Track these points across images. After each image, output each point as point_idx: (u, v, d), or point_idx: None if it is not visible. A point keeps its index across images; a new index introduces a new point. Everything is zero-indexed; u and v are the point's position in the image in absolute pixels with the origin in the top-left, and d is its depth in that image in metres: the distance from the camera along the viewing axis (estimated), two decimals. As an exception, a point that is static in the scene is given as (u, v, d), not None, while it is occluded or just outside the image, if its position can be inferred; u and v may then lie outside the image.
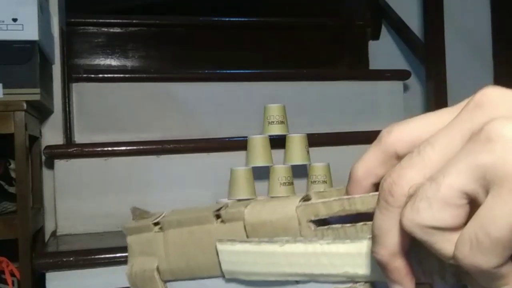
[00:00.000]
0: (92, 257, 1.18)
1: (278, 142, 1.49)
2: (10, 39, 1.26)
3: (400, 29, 2.26)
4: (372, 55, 2.43)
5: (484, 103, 0.25)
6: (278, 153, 1.49)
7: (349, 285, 0.31)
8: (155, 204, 1.49)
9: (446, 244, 0.24)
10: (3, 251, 1.33)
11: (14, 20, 1.26)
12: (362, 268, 0.30)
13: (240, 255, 0.34)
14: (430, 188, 0.24)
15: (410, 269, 0.27)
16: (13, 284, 1.29)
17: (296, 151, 1.47)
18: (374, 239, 0.27)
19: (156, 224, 0.38)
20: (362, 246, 0.30)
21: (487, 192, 0.23)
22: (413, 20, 2.22)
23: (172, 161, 1.51)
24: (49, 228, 1.55)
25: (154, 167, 1.50)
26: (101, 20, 2.16)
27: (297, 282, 0.33)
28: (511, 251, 0.23)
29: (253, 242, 0.33)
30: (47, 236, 1.53)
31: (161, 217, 0.38)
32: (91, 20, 2.14)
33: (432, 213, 0.24)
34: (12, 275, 1.29)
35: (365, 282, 0.30)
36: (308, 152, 1.48)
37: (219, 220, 0.34)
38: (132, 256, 0.39)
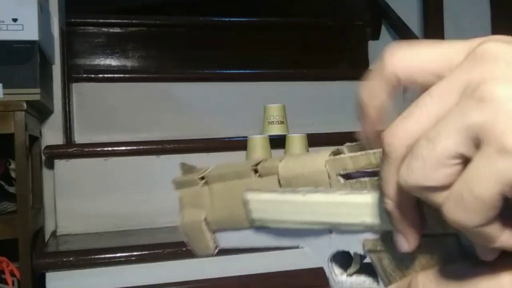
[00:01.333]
0: (92, 257, 1.18)
1: (278, 142, 1.49)
2: (10, 39, 1.27)
3: (400, 29, 2.26)
4: (372, 55, 2.44)
5: (484, 57, 0.25)
6: (278, 153, 1.49)
7: (377, 236, 0.32)
8: (155, 204, 1.49)
9: (440, 200, 0.24)
10: (3, 251, 1.33)
11: (14, 20, 1.26)
12: (378, 218, 0.31)
13: (267, 204, 0.37)
14: (425, 147, 0.24)
15: (415, 221, 0.27)
16: (13, 284, 1.29)
17: (296, 151, 1.47)
18: (382, 189, 0.28)
19: (202, 178, 0.40)
20: (378, 197, 0.31)
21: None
22: (413, 20, 2.22)
23: (172, 161, 1.51)
24: (49, 228, 1.55)
25: (154, 167, 1.50)
26: (101, 20, 2.16)
27: (330, 231, 0.34)
28: (495, 212, 0.23)
29: (278, 192, 0.35)
30: (47, 236, 1.53)
31: (206, 171, 0.40)
32: (91, 20, 2.14)
33: (426, 172, 0.24)
34: (12, 275, 1.29)
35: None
36: (308, 152, 1.48)
37: (257, 174, 0.36)
38: (183, 208, 0.42)
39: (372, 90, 0.31)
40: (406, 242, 0.28)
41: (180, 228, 0.42)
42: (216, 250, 0.42)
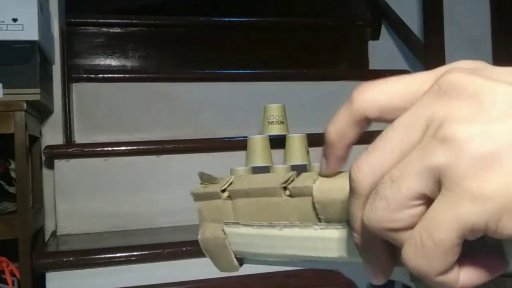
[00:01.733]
0: (92, 257, 1.18)
1: (278, 142, 1.49)
2: (10, 39, 1.27)
3: (400, 29, 2.26)
4: (372, 55, 2.43)
5: (448, 91, 0.24)
6: (278, 153, 1.49)
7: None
8: (155, 204, 1.49)
9: (403, 241, 0.24)
10: (3, 251, 1.33)
11: (14, 20, 1.26)
12: (353, 252, 0.30)
13: (245, 237, 0.36)
14: (389, 188, 0.24)
15: (383, 255, 0.27)
16: (13, 284, 1.29)
17: (296, 151, 1.46)
18: (350, 223, 0.27)
19: (224, 190, 0.38)
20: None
21: None
22: (413, 20, 2.22)
23: (172, 161, 1.51)
24: (49, 228, 1.55)
25: (154, 167, 1.50)
26: (101, 20, 2.16)
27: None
28: (455, 257, 0.23)
29: (255, 226, 0.35)
30: (47, 236, 1.53)
31: (228, 183, 0.38)
32: (91, 20, 2.14)
33: (390, 214, 0.24)
34: (12, 275, 1.29)
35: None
36: (308, 152, 1.48)
37: (287, 193, 0.34)
38: (203, 221, 0.40)
39: (340, 129, 0.30)
40: (375, 275, 0.28)
41: (201, 243, 0.40)
42: (240, 267, 0.40)
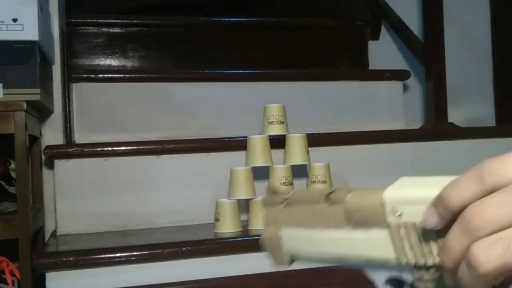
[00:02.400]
0: (92, 257, 1.18)
1: (278, 142, 1.49)
2: (10, 39, 1.26)
3: (399, 29, 2.26)
4: (372, 55, 2.43)
5: None
6: (278, 153, 1.49)
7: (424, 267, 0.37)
8: (155, 204, 1.49)
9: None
10: (3, 251, 1.33)
11: (14, 20, 1.26)
12: (382, 252, 0.38)
13: (295, 238, 0.45)
14: None
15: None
16: (13, 284, 1.29)
17: (296, 151, 1.47)
18: (443, 252, 0.34)
19: (283, 201, 0.47)
20: (383, 236, 0.38)
21: None
22: (412, 20, 2.22)
23: (172, 161, 1.51)
24: (49, 228, 1.55)
25: (154, 167, 1.50)
26: (101, 20, 2.16)
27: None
28: None
29: (303, 228, 0.44)
30: (47, 236, 1.53)
31: (288, 195, 0.47)
32: (91, 20, 2.14)
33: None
34: (12, 275, 1.29)
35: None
36: (308, 152, 1.48)
37: (328, 201, 0.42)
38: (266, 224, 0.48)
39: (467, 198, 0.33)
40: None
41: (262, 242, 0.49)
42: (290, 263, 0.48)
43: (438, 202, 0.34)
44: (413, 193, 0.37)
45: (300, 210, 0.45)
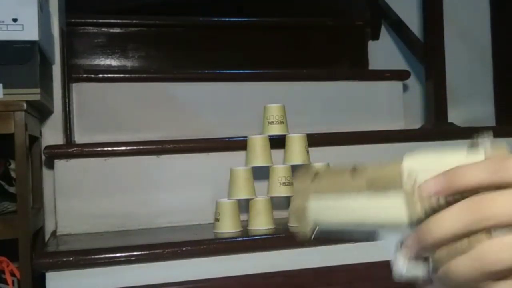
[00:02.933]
0: (92, 257, 1.18)
1: (278, 142, 1.49)
2: (10, 39, 1.26)
3: (399, 29, 2.26)
4: (372, 55, 2.44)
5: None
6: (278, 153, 1.49)
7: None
8: (155, 204, 1.49)
9: None
10: (3, 251, 1.33)
11: (14, 20, 1.26)
12: (396, 216, 0.43)
13: (320, 208, 0.51)
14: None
15: None
16: (13, 284, 1.29)
17: (296, 151, 1.47)
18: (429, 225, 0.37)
19: (312, 176, 0.52)
20: (399, 199, 0.42)
21: None
22: (412, 20, 2.22)
23: (172, 161, 1.51)
24: (49, 228, 1.55)
25: (154, 167, 1.50)
26: (101, 20, 2.16)
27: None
28: None
29: (328, 199, 0.49)
30: (47, 236, 1.53)
31: (316, 170, 0.53)
32: (91, 20, 2.14)
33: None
34: (12, 275, 1.29)
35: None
36: (307, 152, 1.48)
37: (353, 173, 0.48)
38: (295, 196, 0.54)
39: (451, 234, 0.36)
40: None
41: (290, 212, 0.64)
42: (314, 234, 0.52)
43: (447, 175, 0.36)
44: (429, 162, 0.42)
45: (326, 183, 0.51)
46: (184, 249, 1.22)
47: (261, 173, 1.47)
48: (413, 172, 0.43)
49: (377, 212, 0.46)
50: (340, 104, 2.00)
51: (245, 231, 1.37)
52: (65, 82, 1.65)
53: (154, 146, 1.51)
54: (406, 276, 0.45)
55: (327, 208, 0.50)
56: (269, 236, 1.31)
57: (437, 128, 1.93)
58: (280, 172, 1.43)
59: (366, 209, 0.47)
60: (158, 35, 2.24)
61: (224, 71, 2.00)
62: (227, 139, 1.58)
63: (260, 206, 1.39)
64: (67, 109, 1.64)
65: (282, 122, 1.49)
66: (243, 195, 1.40)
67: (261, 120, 1.52)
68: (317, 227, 0.52)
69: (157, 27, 2.25)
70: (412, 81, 2.21)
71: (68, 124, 1.63)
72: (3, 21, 1.25)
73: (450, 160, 0.40)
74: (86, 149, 1.46)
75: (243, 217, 1.41)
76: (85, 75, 1.80)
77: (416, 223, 0.42)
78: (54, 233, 1.47)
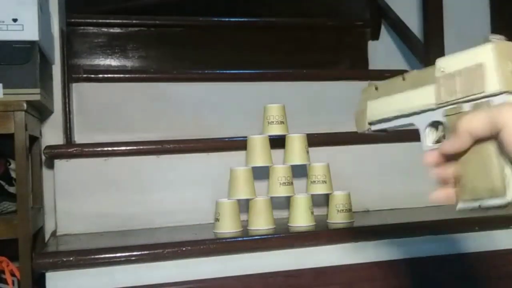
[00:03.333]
0: (92, 257, 1.18)
1: (277, 142, 1.49)
2: (10, 39, 1.27)
3: (399, 29, 2.26)
4: (372, 55, 2.44)
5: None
6: (277, 153, 1.49)
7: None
8: (155, 204, 1.49)
9: None
10: (3, 251, 1.33)
11: (14, 20, 1.26)
12: (427, 100, 0.63)
13: (375, 107, 0.72)
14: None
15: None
16: (13, 284, 1.29)
17: (296, 151, 1.47)
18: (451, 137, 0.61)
19: (376, 88, 0.74)
20: (430, 87, 0.63)
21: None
22: (412, 20, 2.22)
23: (172, 161, 1.51)
24: (49, 228, 1.55)
25: (154, 167, 1.50)
26: (101, 20, 2.16)
27: (431, 109, 0.65)
28: None
29: (382, 97, 0.71)
30: (47, 236, 1.53)
31: (380, 83, 0.73)
32: (91, 20, 2.14)
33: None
34: (12, 274, 1.29)
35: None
36: (307, 152, 1.48)
37: (402, 78, 0.68)
38: (361, 101, 0.75)
39: (477, 132, 0.58)
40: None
41: (354, 114, 0.77)
42: (369, 131, 0.75)
43: (458, 138, 0.59)
44: (454, 59, 0.61)
45: (383, 89, 0.70)
46: (184, 249, 1.22)
47: (261, 173, 1.47)
48: (442, 64, 0.61)
49: (414, 100, 0.64)
50: (340, 104, 1.99)
51: (245, 231, 1.37)
52: (65, 82, 1.65)
53: (154, 146, 1.51)
54: (430, 148, 0.63)
55: (379, 106, 0.70)
56: (269, 236, 1.31)
57: (437, 128, 1.92)
58: (280, 172, 1.43)
59: (406, 99, 0.65)
60: (158, 35, 2.24)
61: (224, 71, 2.00)
62: (227, 139, 1.58)
63: (260, 206, 1.39)
64: (67, 109, 1.64)
65: (282, 122, 1.49)
66: (243, 195, 1.40)
67: (261, 120, 1.52)
68: (371, 126, 0.73)
69: (157, 27, 2.25)
70: (412, 81, 2.20)
71: (68, 124, 1.63)
72: (3, 21, 1.26)
73: (468, 56, 0.59)
74: (86, 149, 1.46)
75: (243, 217, 1.41)
76: (85, 75, 1.80)
77: (439, 101, 0.61)
78: (54, 233, 1.47)
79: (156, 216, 1.48)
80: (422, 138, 0.64)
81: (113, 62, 2.16)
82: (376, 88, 0.71)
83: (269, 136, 1.48)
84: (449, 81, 0.59)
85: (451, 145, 0.59)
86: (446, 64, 0.60)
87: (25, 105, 1.27)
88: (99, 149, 1.48)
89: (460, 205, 0.60)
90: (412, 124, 0.67)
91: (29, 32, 1.27)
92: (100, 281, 1.18)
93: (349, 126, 1.91)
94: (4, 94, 1.26)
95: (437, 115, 0.62)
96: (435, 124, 0.63)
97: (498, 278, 1.35)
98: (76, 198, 1.44)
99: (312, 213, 1.42)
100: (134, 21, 2.20)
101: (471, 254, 1.36)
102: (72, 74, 1.75)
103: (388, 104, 0.68)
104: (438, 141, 0.64)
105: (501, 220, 1.39)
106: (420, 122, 0.64)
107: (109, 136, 1.69)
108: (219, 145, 1.56)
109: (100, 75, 1.83)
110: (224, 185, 1.46)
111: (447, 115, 0.60)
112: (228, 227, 1.36)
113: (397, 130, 0.72)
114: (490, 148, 0.56)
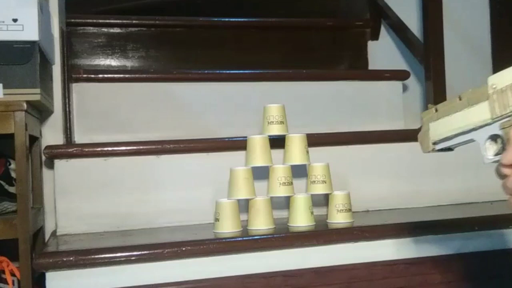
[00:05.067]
0: (92, 257, 1.18)
1: (277, 142, 1.49)
2: (10, 39, 1.27)
3: (399, 30, 2.26)
4: (371, 55, 2.44)
5: None
6: (277, 153, 1.49)
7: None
8: (155, 204, 1.49)
9: None
10: (3, 251, 1.33)
11: (15, 20, 1.26)
12: (483, 116, 0.69)
13: (437, 127, 0.77)
14: None
15: None
16: (13, 284, 1.29)
17: (296, 151, 1.47)
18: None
19: (436, 110, 0.79)
20: (485, 104, 0.68)
21: None
22: (412, 20, 2.22)
23: (172, 161, 1.51)
24: (49, 228, 1.55)
25: (154, 167, 1.50)
26: (101, 20, 2.16)
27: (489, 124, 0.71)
28: None
29: (443, 117, 0.76)
30: (47, 236, 1.53)
31: (435, 106, 0.79)
32: (91, 20, 2.14)
33: None
34: (13, 274, 1.29)
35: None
36: (307, 152, 1.48)
37: (459, 98, 0.74)
38: (424, 124, 0.81)
39: None
40: None
41: (418, 136, 0.82)
42: (434, 150, 0.80)
43: None
44: (505, 75, 0.65)
45: (442, 110, 0.76)
46: (184, 249, 1.22)
47: (261, 173, 1.47)
48: (494, 82, 0.66)
49: (471, 117, 0.69)
50: (340, 104, 2.00)
51: (245, 231, 1.37)
52: (65, 82, 1.65)
53: (154, 146, 1.51)
54: (491, 160, 0.68)
55: (441, 126, 0.75)
56: (269, 236, 1.31)
57: (437, 128, 1.92)
58: (280, 172, 1.43)
59: (464, 117, 0.70)
60: (158, 35, 2.24)
61: (224, 71, 2.00)
62: (227, 139, 1.58)
63: (260, 206, 1.39)
64: (67, 109, 1.64)
65: (282, 122, 1.49)
66: (243, 195, 1.40)
67: (261, 120, 1.52)
68: (435, 145, 0.78)
69: (157, 27, 2.25)
70: (412, 81, 2.21)
71: (68, 124, 1.63)
72: (3, 21, 1.26)
73: None
74: (86, 149, 1.46)
75: (243, 217, 1.41)
76: (85, 75, 1.80)
77: (494, 116, 0.66)
78: (54, 233, 1.47)
79: (156, 216, 1.48)
80: (482, 152, 0.69)
81: (113, 62, 2.16)
82: (436, 110, 0.77)
83: (269, 136, 1.48)
84: (502, 96, 0.65)
85: (510, 155, 0.64)
86: (497, 80, 0.66)
87: (25, 105, 1.27)
88: (99, 149, 1.48)
89: None
90: (472, 140, 0.72)
91: (29, 32, 1.27)
92: (100, 281, 1.18)
93: (349, 126, 1.92)
94: (4, 94, 1.26)
95: (494, 129, 0.67)
96: (494, 138, 0.68)
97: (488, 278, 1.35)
98: (76, 198, 1.44)
99: (312, 213, 1.42)
100: (134, 21, 2.20)
101: (471, 254, 1.36)
102: (72, 74, 1.75)
103: (449, 124, 0.73)
104: (498, 153, 0.68)
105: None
106: (479, 137, 0.69)
107: (109, 136, 1.69)
108: (219, 145, 1.56)
109: (100, 75, 1.83)
110: (224, 185, 1.46)
111: (503, 128, 0.66)
112: (228, 227, 1.36)
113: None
114: None
